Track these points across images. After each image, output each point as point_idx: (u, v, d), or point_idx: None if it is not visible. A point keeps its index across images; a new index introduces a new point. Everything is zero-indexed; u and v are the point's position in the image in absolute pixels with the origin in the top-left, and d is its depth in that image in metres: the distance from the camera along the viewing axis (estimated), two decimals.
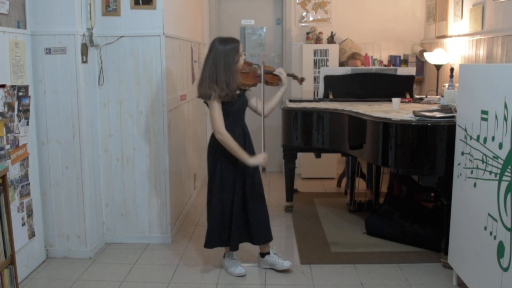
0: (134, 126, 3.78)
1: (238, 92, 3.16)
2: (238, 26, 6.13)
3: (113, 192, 3.86)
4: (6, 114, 3.05)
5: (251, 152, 3.26)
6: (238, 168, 3.21)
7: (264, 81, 3.27)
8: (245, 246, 3.43)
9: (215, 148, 3.22)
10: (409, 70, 4.67)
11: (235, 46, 3.11)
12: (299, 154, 5.29)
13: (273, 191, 5.34)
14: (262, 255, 3.40)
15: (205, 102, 3.17)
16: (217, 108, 3.08)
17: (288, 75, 3.44)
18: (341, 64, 5.66)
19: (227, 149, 3.13)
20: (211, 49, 3.11)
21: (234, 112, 3.17)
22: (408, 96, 4.52)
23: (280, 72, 3.33)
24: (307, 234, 4.02)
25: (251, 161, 3.15)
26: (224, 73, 3.05)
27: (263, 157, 3.17)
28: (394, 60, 5.92)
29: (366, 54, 5.86)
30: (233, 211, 3.23)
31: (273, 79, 3.35)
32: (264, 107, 3.30)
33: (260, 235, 3.31)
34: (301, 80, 3.59)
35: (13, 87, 3.12)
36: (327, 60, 5.68)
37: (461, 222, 2.93)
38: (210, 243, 3.31)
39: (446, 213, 3.21)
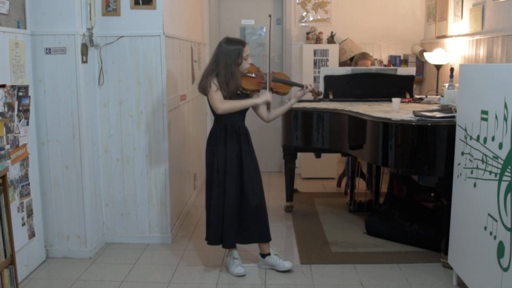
0: (134, 126, 3.78)
1: (239, 93, 3.19)
2: (238, 26, 6.13)
3: (113, 192, 3.86)
4: (6, 114, 3.05)
5: (249, 153, 3.26)
6: (235, 162, 3.21)
7: (269, 89, 3.24)
8: (246, 246, 3.42)
9: (211, 140, 3.25)
10: (409, 70, 4.67)
11: (238, 48, 3.13)
12: (299, 154, 5.29)
13: (273, 191, 5.34)
14: (263, 256, 3.40)
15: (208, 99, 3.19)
16: (215, 93, 3.09)
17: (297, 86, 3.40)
18: (342, 64, 5.66)
19: (235, 111, 3.14)
20: (217, 47, 3.19)
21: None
22: (408, 96, 4.52)
23: (306, 86, 3.34)
24: (307, 234, 4.02)
25: (258, 100, 3.19)
26: (224, 73, 3.10)
27: (268, 95, 3.20)
28: (394, 60, 5.92)
29: (372, 56, 5.86)
30: (229, 206, 3.21)
31: (280, 88, 3.33)
32: (270, 113, 3.34)
33: (255, 233, 3.28)
34: (317, 94, 3.52)
35: (13, 87, 3.12)
36: (327, 60, 5.68)
37: (461, 222, 2.93)
38: (210, 239, 3.32)
39: (446, 213, 3.21)
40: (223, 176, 3.22)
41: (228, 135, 3.22)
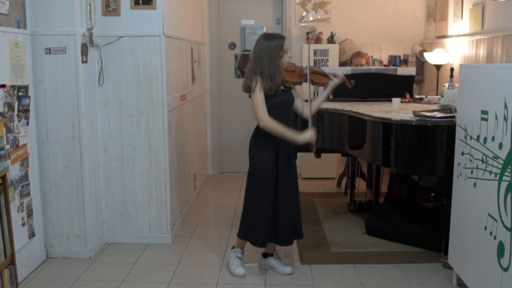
0: (134, 126, 3.78)
1: (282, 88, 3.17)
2: (238, 26, 6.13)
3: (113, 192, 3.86)
4: (6, 114, 3.05)
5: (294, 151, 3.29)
6: (278, 163, 3.20)
7: (310, 80, 3.25)
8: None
9: (257, 142, 3.22)
10: (409, 70, 4.66)
11: (279, 42, 3.12)
12: (299, 154, 5.29)
13: None
14: (265, 255, 3.40)
15: (249, 96, 3.17)
16: (259, 97, 3.07)
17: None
18: (342, 64, 5.66)
19: (275, 135, 3.11)
20: (256, 44, 3.17)
21: (277, 106, 3.14)
22: (408, 96, 4.51)
23: (336, 74, 3.31)
24: (307, 234, 4.01)
25: (300, 138, 3.12)
26: (268, 67, 3.08)
27: (311, 134, 3.12)
28: (394, 60, 5.92)
29: (366, 54, 5.86)
30: (274, 207, 3.19)
31: (319, 79, 3.34)
32: (309, 108, 3.28)
33: (288, 235, 3.23)
34: (350, 84, 3.46)
35: (13, 87, 3.12)
36: (327, 60, 5.68)
37: (461, 222, 2.94)
38: (245, 236, 3.29)
39: (446, 213, 3.21)
40: (275, 176, 3.18)
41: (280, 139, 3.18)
